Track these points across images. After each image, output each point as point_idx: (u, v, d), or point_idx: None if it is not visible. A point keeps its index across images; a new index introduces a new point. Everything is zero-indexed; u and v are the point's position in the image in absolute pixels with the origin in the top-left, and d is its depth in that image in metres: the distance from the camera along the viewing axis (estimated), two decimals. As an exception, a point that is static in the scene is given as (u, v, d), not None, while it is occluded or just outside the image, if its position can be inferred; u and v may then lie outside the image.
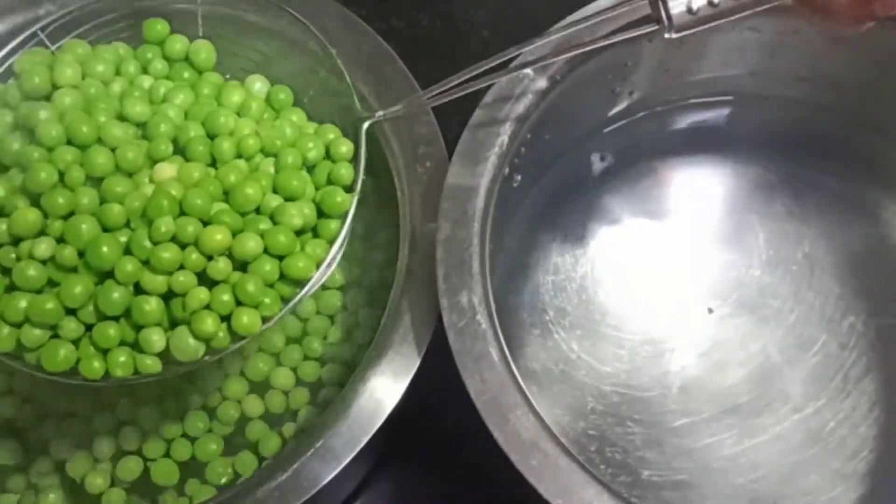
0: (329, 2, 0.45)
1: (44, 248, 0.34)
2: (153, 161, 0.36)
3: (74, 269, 0.34)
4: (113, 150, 0.35)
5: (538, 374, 0.43)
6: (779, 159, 0.47)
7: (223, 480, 0.43)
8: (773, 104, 0.47)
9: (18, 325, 0.34)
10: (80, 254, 0.34)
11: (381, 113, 0.40)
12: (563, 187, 0.47)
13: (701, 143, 0.48)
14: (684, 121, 0.49)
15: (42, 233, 0.34)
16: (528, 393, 0.35)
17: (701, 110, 0.48)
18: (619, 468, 0.41)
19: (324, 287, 0.47)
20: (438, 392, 0.37)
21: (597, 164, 0.48)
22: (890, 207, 0.46)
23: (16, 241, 0.34)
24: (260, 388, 0.45)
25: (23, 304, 0.33)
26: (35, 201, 0.34)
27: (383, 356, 0.38)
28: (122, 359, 0.34)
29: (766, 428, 0.42)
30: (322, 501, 0.37)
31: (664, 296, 0.45)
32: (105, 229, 0.34)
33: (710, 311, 0.44)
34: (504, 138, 0.40)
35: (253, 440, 0.44)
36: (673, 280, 0.46)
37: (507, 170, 0.41)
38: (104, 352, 0.34)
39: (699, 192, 0.48)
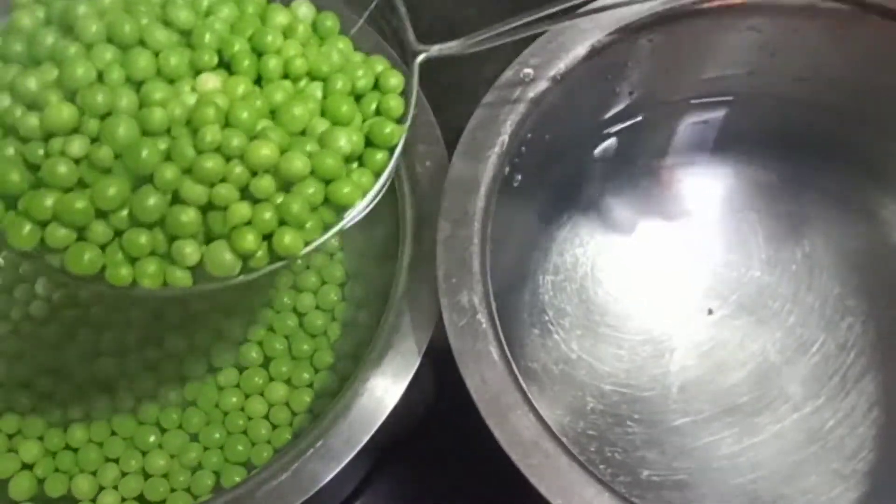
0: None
1: (77, 145, 0.31)
2: (196, 71, 0.34)
3: (108, 172, 0.32)
4: (155, 54, 0.33)
5: (538, 374, 0.43)
6: (779, 159, 0.47)
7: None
8: (774, 104, 0.47)
9: (43, 225, 0.32)
10: (116, 157, 0.32)
11: (437, 47, 0.37)
12: (563, 187, 0.47)
13: (701, 143, 0.48)
14: (684, 121, 0.48)
15: (75, 131, 0.32)
16: (528, 393, 0.35)
17: (701, 110, 0.48)
18: (619, 468, 0.41)
19: (323, 282, 0.47)
20: (438, 392, 0.37)
21: (597, 164, 0.48)
22: (890, 207, 0.46)
23: (46, 137, 0.32)
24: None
25: (48, 202, 0.31)
26: (69, 98, 0.32)
27: (383, 356, 0.38)
28: (152, 268, 0.32)
29: (766, 427, 0.42)
30: (322, 501, 0.37)
31: (664, 296, 0.45)
32: (144, 134, 0.32)
33: (710, 312, 0.44)
34: (504, 138, 0.40)
35: (255, 441, 0.44)
36: (673, 280, 0.46)
37: (507, 169, 0.41)
38: (133, 260, 0.32)
39: (699, 192, 0.48)
